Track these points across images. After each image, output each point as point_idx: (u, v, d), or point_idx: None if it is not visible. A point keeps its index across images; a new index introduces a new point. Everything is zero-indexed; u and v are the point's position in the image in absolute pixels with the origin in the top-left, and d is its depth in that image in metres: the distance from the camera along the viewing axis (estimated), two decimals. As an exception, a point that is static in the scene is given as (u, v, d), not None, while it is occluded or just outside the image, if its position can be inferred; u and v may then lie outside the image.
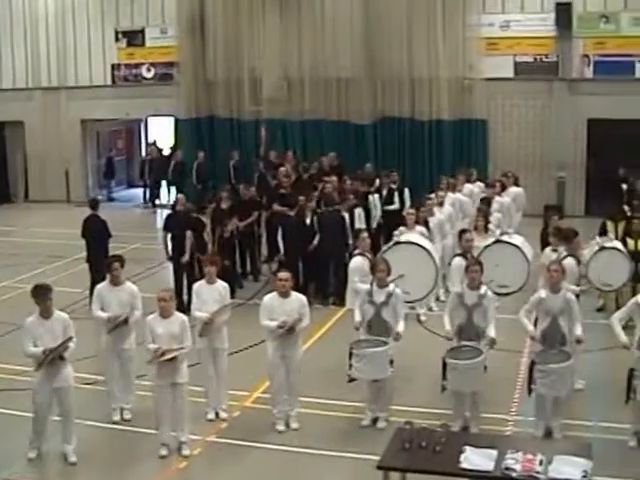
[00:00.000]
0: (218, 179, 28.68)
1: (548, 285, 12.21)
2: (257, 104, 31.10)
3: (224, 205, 19.99)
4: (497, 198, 20.26)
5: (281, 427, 12.52)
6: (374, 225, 20.50)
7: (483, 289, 12.32)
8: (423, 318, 17.30)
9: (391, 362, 12.20)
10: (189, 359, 12.18)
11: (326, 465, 11.58)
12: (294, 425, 12.57)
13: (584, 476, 8.73)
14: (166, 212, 23.02)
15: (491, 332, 12.18)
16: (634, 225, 17.71)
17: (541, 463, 8.94)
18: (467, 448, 9.34)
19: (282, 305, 12.31)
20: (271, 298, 12.47)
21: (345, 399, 13.24)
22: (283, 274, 12.56)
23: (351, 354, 12.14)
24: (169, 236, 19.00)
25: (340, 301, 17.70)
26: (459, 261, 14.21)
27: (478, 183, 22.76)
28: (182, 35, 31.77)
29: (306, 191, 20.57)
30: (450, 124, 29.70)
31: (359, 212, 19.82)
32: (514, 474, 8.83)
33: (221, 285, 13.11)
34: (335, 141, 29.60)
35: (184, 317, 11.99)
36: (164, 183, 33.05)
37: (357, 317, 12.81)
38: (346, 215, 19.18)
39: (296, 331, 12.31)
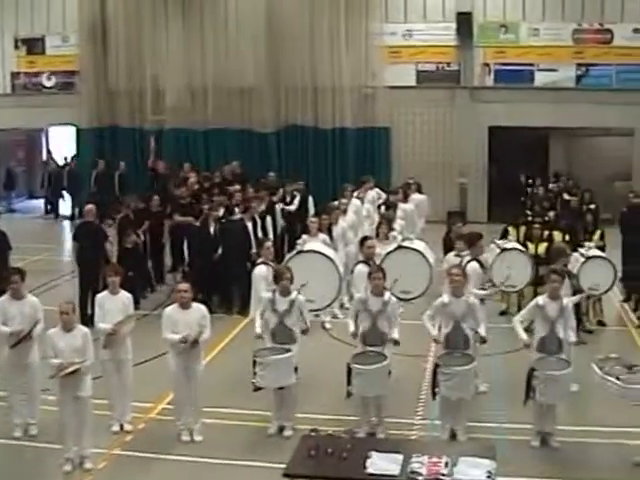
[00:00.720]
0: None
1: (450, 290, 12.34)
2: (160, 113, 30.90)
3: (132, 215, 19.84)
4: (400, 205, 20.43)
5: (186, 437, 12.40)
6: (278, 233, 20.50)
7: (387, 295, 12.39)
8: (328, 326, 17.32)
9: (295, 369, 12.21)
10: (93, 371, 12.01)
11: (233, 475, 11.47)
12: (198, 438, 12.40)
13: (488, 476, 8.82)
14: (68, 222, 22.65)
15: (395, 334, 12.29)
16: (534, 230, 18.01)
17: (446, 465, 9.00)
18: (373, 453, 9.34)
19: (183, 316, 12.19)
20: (172, 310, 12.35)
21: (251, 408, 13.12)
22: (182, 285, 12.46)
23: (255, 362, 12.09)
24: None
25: (244, 310, 17.59)
26: (361, 268, 14.23)
27: (376, 190, 23.03)
28: (83, 43, 31.47)
29: (210, 200, 20.50)
30: (353, 132, 30.05)
31: (269, 221, 19.85)
32: (420, 477, 8.86)
33: (125, 296, 12.92)
34: (239, 150, 29.59)
35: (86, 330, 11.76)
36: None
37: (258, 327, 12.79)
38: (249, 224, 19.09)
39: (199, 344, 12.24)
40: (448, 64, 30.06)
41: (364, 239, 15.56)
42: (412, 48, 30.13)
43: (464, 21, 29.26)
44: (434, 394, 11.95)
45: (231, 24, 30.20)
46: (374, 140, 30.12)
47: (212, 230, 18.99)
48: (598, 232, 18.34)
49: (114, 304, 12.71)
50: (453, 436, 12.17)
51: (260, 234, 19.02)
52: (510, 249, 16.52)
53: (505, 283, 15.73)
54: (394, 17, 30.10)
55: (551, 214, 20.73)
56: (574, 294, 14.19)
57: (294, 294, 12.61)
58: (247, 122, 30.64)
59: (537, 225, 18.20)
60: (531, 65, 29.81)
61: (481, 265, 14.59)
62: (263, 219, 19.65)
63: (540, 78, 29.81)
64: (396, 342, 12.30)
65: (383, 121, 30.15)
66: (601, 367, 11.33)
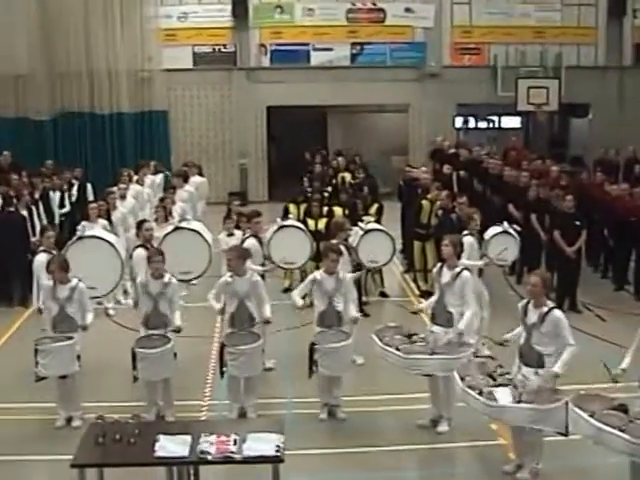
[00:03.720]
0: None
1: (232, 269, 12.38)
2: None
3: None
4: (181, 188, 20.41)
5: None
6: (57, 221, 20.06)
7: (167, 277, 12.33)
8: (111, 312, 17.02)
9: (78, 357, 12.02)
10: None
11: (20, 471, 11.14)
12: (-20, 439, 12.08)
13: (277, 450, 8.94)
14: None
15: (177, 320, 12.26)
16: (314, 207, 18.22)
17: (235, 443, 9.06)
18: (161, 437, 9.28)
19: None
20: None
21: (37, 401, 12.80)
22: None
23: (37, 351, 11.84)
24: None
25: (25, 302, 17.27)
26: (140, 252, 14.18)
27: (160, 175, 23.04)
28: None
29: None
30: (131, 117, 29.83)
31: (41, 209, 19.38)
32: (209, 457, 8.90)
33: None
34: (14, 139, 28.60)
35: None
36: None
37: (45, 314, 12.54)
38: (25, 213, 18.59)
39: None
40: (224, 45, 30.13)
41: (141, 222, 15.52)
42: (188, 30, 30.02)
43: (239, 2, 29.46)
44: (222, 374, 12.03)
45: (1, 8, 29.20)
46: (152, 124, 29.99)
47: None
48: (375, 206, 18.72)
49: None
50: (243, 414, 12.28)
51: (40, 222, 18.60)
52: (288, 226, 16.65)
53: (284, 261, 15.93)
54: (169, 0, 29.90)
55: (330, 190, 21.03)
56: (354, 267, 14.49)
57: (74, 281, 12.38)
58: (22, 110, 29.74)
59: (316, 202, 18.39)
60: (307, 45, 30.25)
61: (260, 242, 14.76)
62: (38, 207, 19.18)
63: (316, 57, 30.31)
64: (178, 329, 12.25)
65: (161, 104, 30.04)
66: (381, 337, 11.63)
